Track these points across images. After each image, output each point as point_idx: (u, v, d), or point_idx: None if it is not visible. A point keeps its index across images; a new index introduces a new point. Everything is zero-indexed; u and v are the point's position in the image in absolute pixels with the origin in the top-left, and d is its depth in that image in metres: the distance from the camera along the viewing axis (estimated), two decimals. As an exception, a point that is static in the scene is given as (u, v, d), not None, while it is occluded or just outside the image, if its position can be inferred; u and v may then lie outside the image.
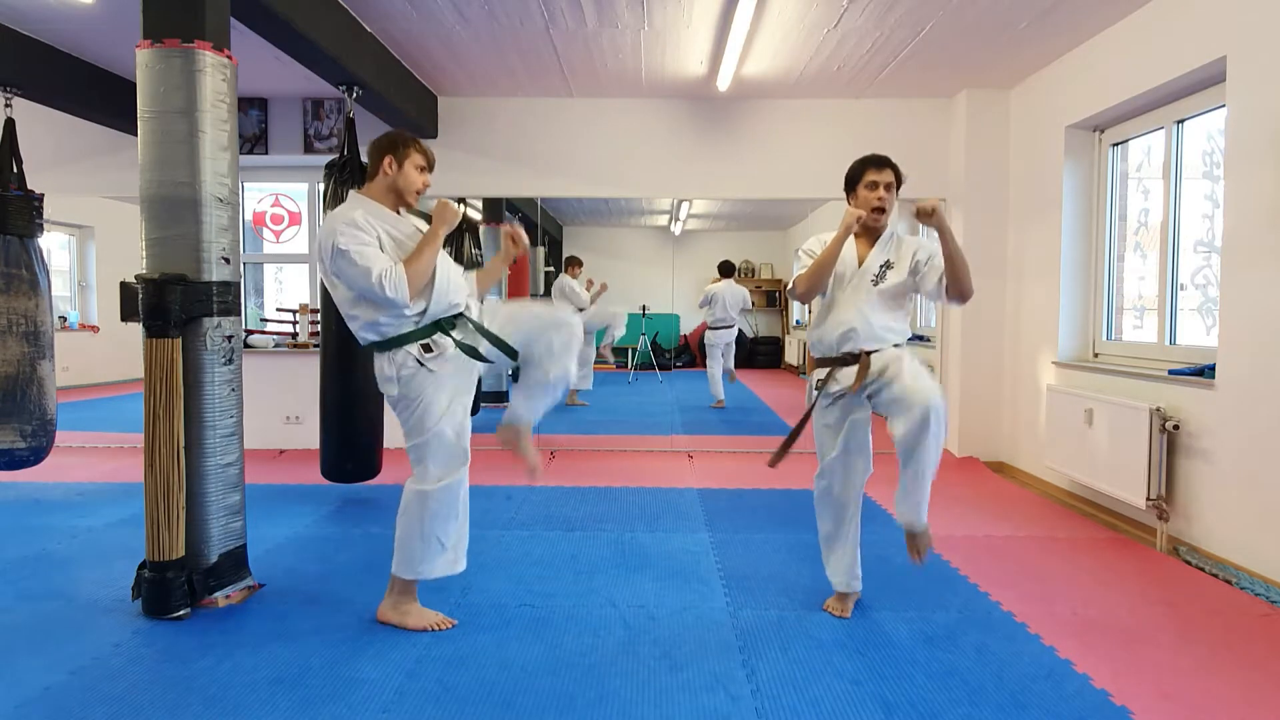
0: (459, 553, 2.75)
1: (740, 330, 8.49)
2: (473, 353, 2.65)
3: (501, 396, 8.00)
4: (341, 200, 4.10)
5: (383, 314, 2.55)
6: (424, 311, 2.58)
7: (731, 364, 8.42)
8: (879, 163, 2.76)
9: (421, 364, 2.57)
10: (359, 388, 4.20)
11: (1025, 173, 5.16)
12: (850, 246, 2.78)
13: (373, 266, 2.46)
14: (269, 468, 5.25)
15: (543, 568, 3.34)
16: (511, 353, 2.68)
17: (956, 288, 2.67)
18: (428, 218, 2.67)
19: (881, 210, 2.73)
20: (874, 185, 2.73)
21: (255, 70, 4.96)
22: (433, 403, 2.59)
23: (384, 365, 2.61)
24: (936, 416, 2.54)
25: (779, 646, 2.60)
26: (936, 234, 2.63)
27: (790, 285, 2.86)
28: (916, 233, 5.04)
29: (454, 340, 2.62)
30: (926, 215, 2.57)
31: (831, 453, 2.82)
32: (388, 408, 3.69)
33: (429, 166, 2.71)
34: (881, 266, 2.75)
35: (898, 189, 2.76)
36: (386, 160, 2.64)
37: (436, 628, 2.68)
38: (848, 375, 2.71)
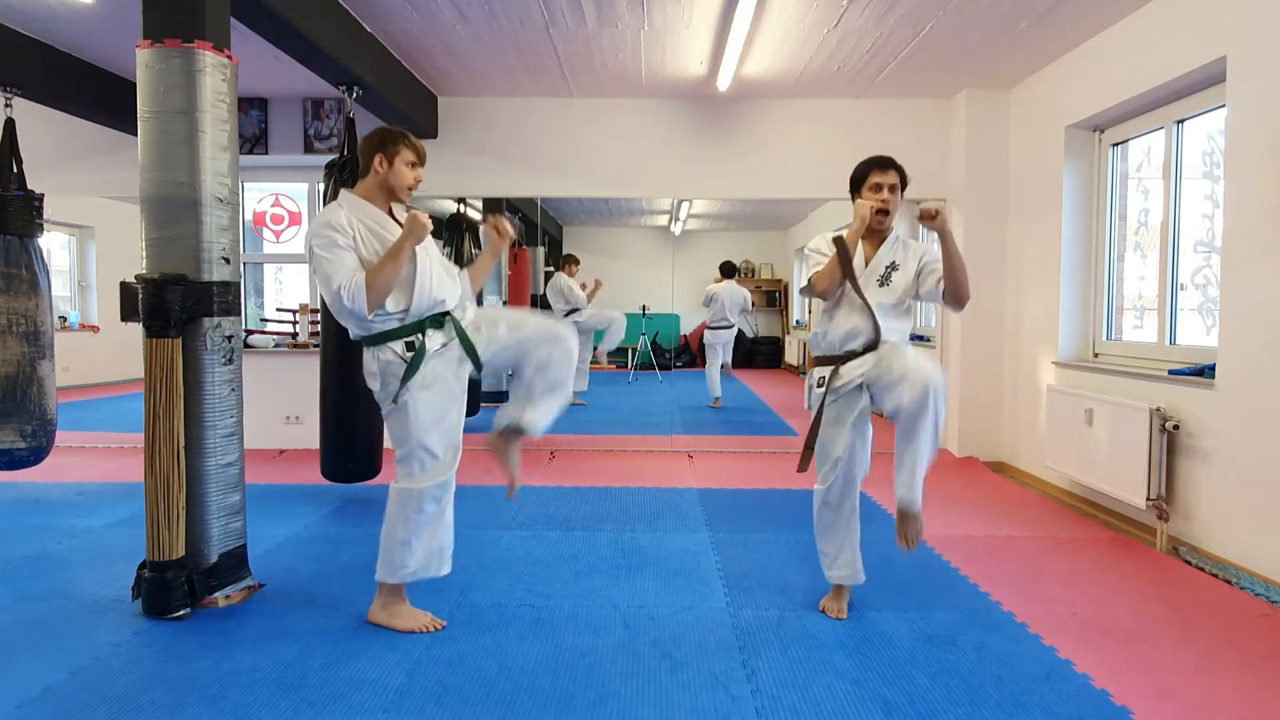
0: (444, 557, 2.77)
1: (740, 330, 8.50)
2: (469, 350, 2.65)
3: (501, 396, 7.99)
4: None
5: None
6: (407, 310, 2.57)
7: (729, 358, 8.40)
8: (883, 164, 2.76)
9: (405, 361, 2.57)
10: (359, 388, 4.17)
11: (1025, 173, 5.16)
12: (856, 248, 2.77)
13: (334, 275, 2.46)
14: (269, 468, 5.25)
15: (543, 568, 3.34)
16: (478, 364, 2.69)
17: (954, 292, 2.68)
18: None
19: (885, 212, 2.72)
20: (878, 187, 2.73)
21: (255, 70, 4.96)
22: (417, 401, 2.58)
23: (369, 360, 2.62)
24: (936, 393, 2.53)
25: (779, 646, 2.60)
26: (938, 238, 2.64)
27: (805, 284, 2.81)
28: (917, 237, 5.03)
29: (440, 339, 2.62)
30: (929, 218, 2.56)
31: (835, 453, 2.80)
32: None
33: (420, 161, 2.68)
34: (887, 268, 2.76)
35: (903, 190, 2.77)
36: (377, 158, 2.62)
37: (426, 629, 2.67)
38: (851, 369, 2.72)
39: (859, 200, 2.75)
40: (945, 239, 2.63)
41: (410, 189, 2.68)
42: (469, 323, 2.69)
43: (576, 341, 2.76)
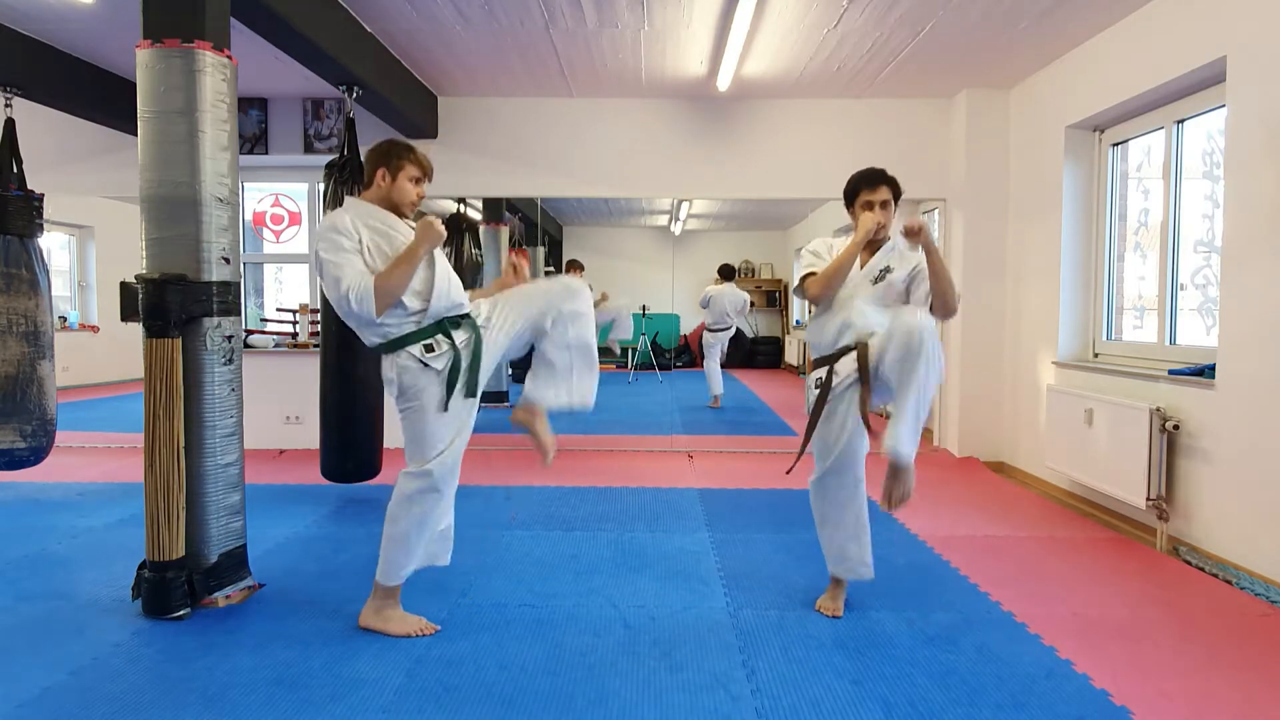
0: (447, 544, 2.76)
1: (740, 330, 8.59)
2: (474, 357, 2.59)
3: (501, 396, 7.99)
4: (341, 203, 4.10)
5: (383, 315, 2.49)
6: (424, 311, 2.53)
7: (724, 354, 8.56)
8: (872, 181, 2.78)
9: (425, 364, 2.52)
10: (359, 388, 4.20)
11: (1025, 173, 5.16)
12: None
13: (341, 278, 2.41)
14: (269, 468, 5.25)
15: (543, 568, 3.34)
16: (475, 370, 2.61)
17: (940, 304, 2.69)
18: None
19: (879, 227, 2.77)
20: (870, 205, 2.76)
21: (255, 70, 4.96)
22: (433, 403, 2.54)
23: (386, 367, 2.57)
24: (924, 331, 2.45)
25: (779, 646, 2.60)
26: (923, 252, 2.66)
27: (797, 285, 2.87)
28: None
29: (455, 339, 2.56)
30: (914, 234, 2.60)
31: (832, 446, 2.79)
32: (388, 407, 3.64)
33: (425, 176, 2.63)
34: (881, 271, 2.79)
35: (896, 200, 2.79)
36: (380, 172, 2.58)
37: (418, 634, 2.64)
38: (846, 365, 2.73)
39: (862, 214, 2.78)
40: (930, 254, 2.64)
41: (413, 205, 2.62)
42: (483, 320, 2.65)
43: (588, 296, 2.73)
